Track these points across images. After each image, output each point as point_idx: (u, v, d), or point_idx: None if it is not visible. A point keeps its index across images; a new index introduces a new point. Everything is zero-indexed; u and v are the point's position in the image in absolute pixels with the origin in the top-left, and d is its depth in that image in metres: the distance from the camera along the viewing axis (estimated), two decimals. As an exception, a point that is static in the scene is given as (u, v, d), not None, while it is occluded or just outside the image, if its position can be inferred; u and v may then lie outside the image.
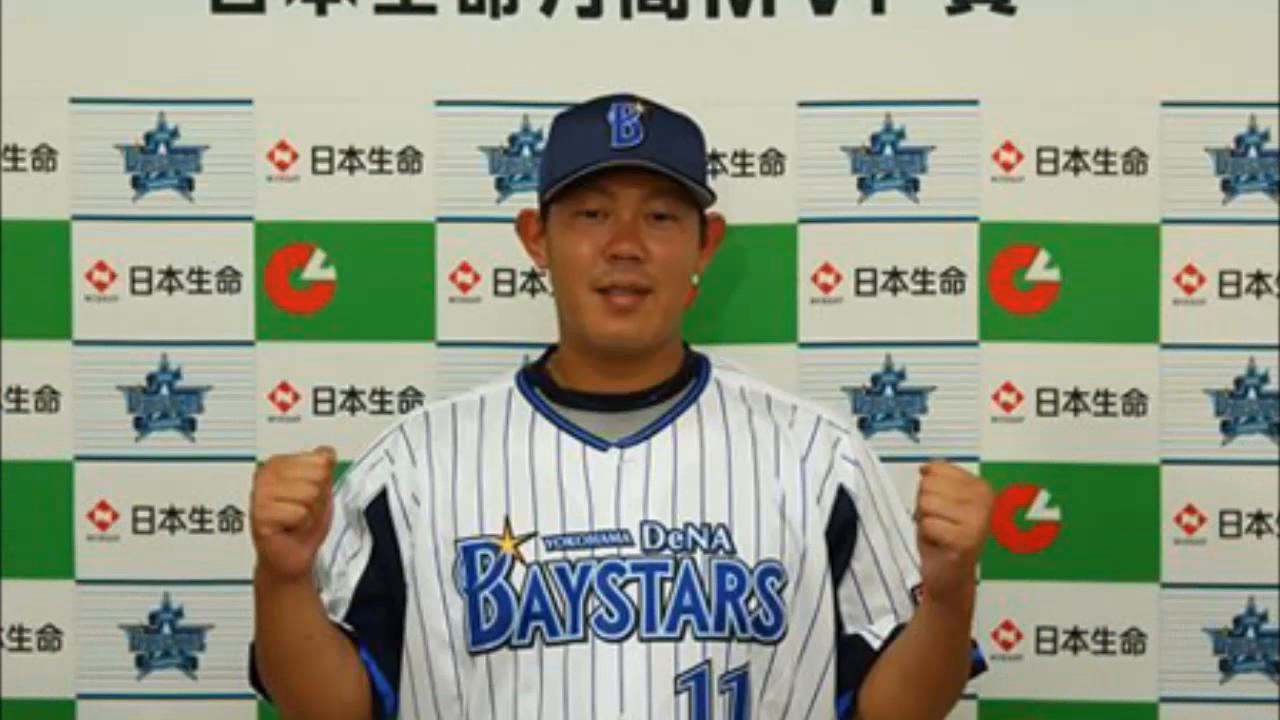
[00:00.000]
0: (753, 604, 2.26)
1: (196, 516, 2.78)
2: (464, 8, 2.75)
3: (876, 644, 2.35)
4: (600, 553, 2.26)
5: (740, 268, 2.74)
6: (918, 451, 2.71)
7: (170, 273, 2.77)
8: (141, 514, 2.78)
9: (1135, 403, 2.76)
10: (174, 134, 2.76)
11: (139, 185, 2.76)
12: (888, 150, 2.76)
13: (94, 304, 2.76)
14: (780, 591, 2.28)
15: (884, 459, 2.43)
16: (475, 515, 2.30)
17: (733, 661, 2.26)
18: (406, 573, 2.31)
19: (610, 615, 2.24)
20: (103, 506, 2.77)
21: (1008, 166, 2.76)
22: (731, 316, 2.75)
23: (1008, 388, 2.77)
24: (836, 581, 2.34)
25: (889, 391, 2.77)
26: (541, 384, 2.38)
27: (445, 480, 2.32)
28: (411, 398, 2.76)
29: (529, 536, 2.28)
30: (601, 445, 2.32)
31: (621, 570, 2.25)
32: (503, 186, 2.76)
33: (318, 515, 2.19)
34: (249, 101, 2.76)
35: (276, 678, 2.31)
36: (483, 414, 2.37)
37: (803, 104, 2.75)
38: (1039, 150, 2.76)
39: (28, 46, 2.74)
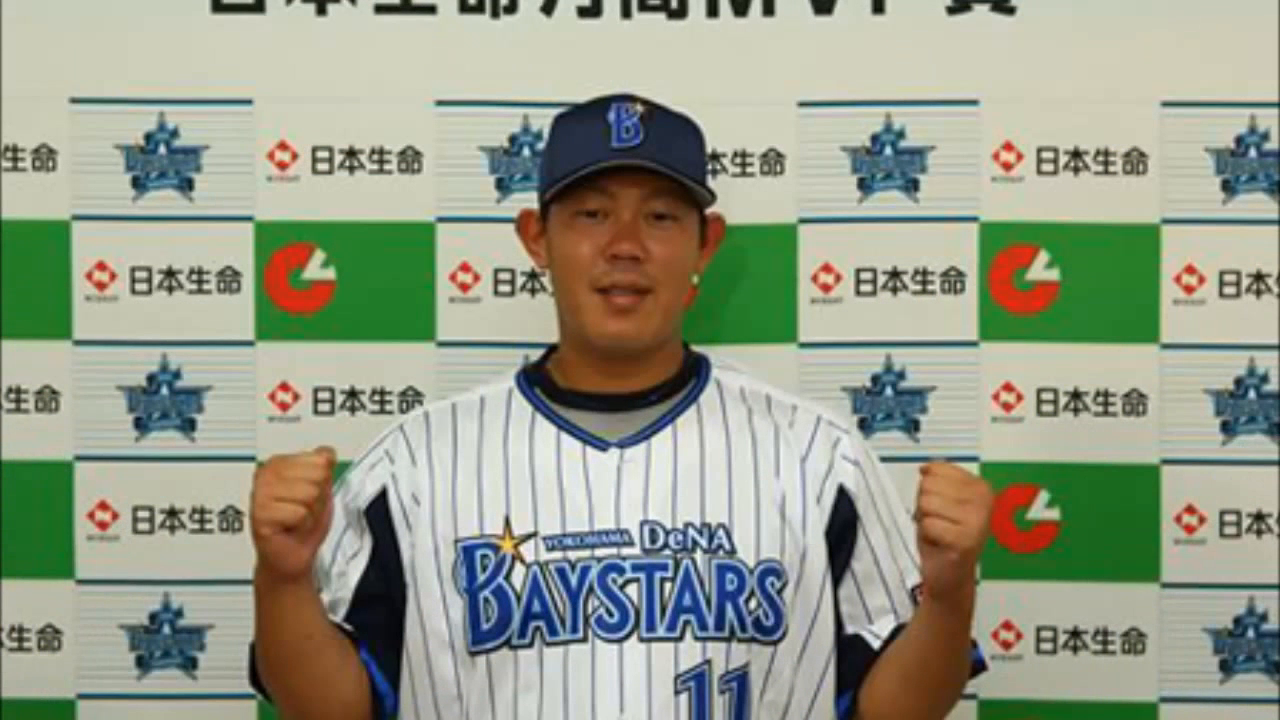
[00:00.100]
0: (753, 604, 2.26)
1: (196, 516, 2.78)
2: (464, 8, 2.75)
3: (876, 644, 2.35)
4: (600, 553, 2.26)
5: (740, 268, 2.74)
6: (918, 451, 2.71)
7: (170, 273, 2.77)
8: (141, 514, 2.78)
9: (1135, 403, 2.76)
10: (174, 134, 2.76)
11: (139, 185, 2.76)
12: (888, 150, 2.76)
13: (94, 304, 2.76)
14: (780, 591, 2.28)
15: (884, 459, 2.43)
16: (475, 515, 2.30)
17: (733, 661, 2.26)
18: (406, 573, 2.31)
19: (610, 615, 2.24)
20: (103, 506, 2.77)
21: (1008, 166, 2.76)
22: (731, 316, 2.75)
23: (1008, 388, 2.77)
24: (836, 581, 2.34)
25: (889, 391, 2.77)
26: (541, 384, 2.38)
27: (445, 480, 2.32)
28: (411, 398, 2.76)
29: (529, 536, 2.28)
30: (601, 445, 2.32)
31: (621, 570, 2.25)
32: (503, 186, 2.76)
33: (318, 515, 2.19)
34: (249, 101, 2.76)
35: (276, 678, 2.31)
36: (483, 414, 2.37)
37: (803, 104, 2.75)
38: (1039, 150, 2.76)
39: (28, 46, 2.74)
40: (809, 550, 2.31)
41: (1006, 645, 2.78)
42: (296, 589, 2.23)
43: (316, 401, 2.77)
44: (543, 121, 2.59)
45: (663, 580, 2.25)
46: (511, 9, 2.75)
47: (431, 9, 2.75)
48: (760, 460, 2.33)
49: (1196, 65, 2.74)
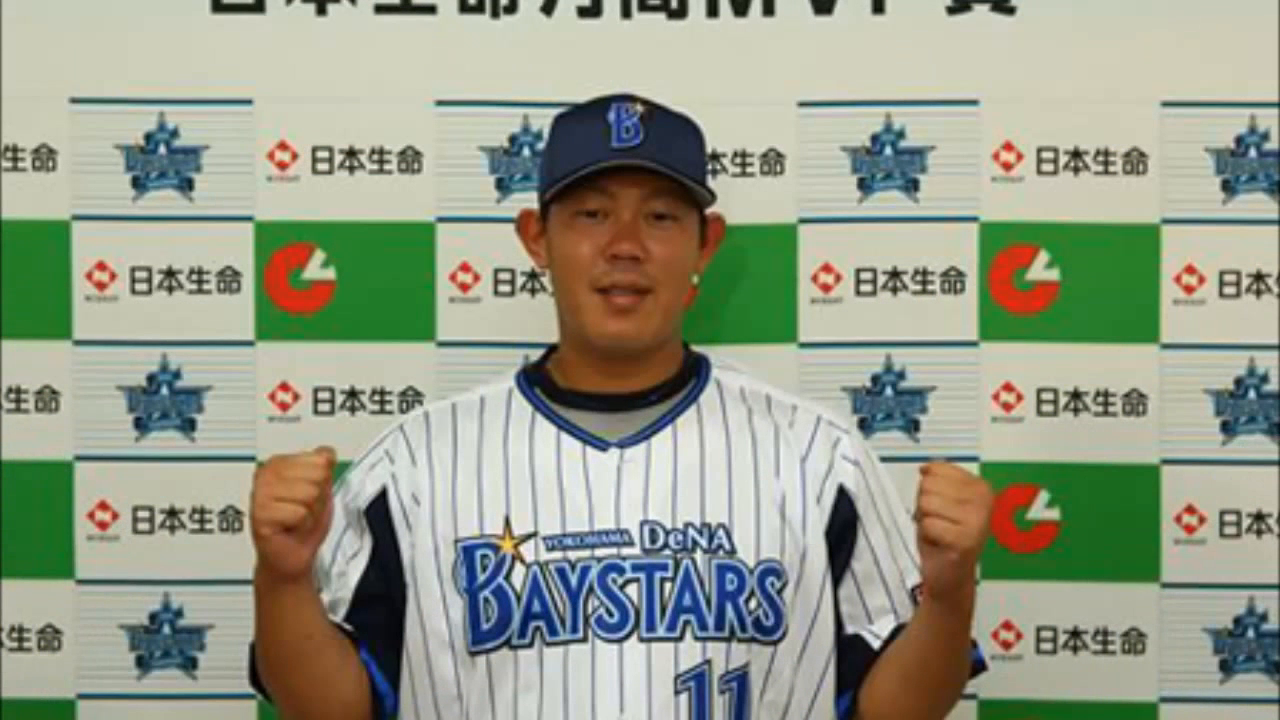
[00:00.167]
0: (753, 604, 2.26)
1: (196, 516, 2.78)
2: (464, 8, 2.75)
3: (876, 644, 2.35)
4: (600, 553, 2.26)
5: (740, 268, 2.74)
6: (918, 451, 2.71)
7: (170, 273, 2.77)
8: (141, 514, 2.78)
9: (1135, 403, 2.76)
10: (174, 134, 2.76)
11: (139, 185, 2.76)
12: (888, 150, 2.76)
13: (94, 304, 2.76)
14: (780, 591, 2.28)
15: (884, 459, 2.43)
16: (475, 515, 2.30)
17: (733, 661, 2.26)
18: (406, 573, 2.31)
19: (610, 615, 2.24)
20: (103, 506, 2.77)
21: (1008, 166, 2.76)
22: (731, 316, 2.74)
23: (1008, 388, 2.77)
24: (836, 581, 2.34)
25: (889, 391, 2.77)
26: (541, 384, 2.38)
27: (445, 480, 2.32)
28: (411, 398, 2.76)
29: (529, 536, 2.28)
30: (601, 445, 2.32)
31: (621, 570, 2.25)
32: (503, 186, 2.76)
33: (318, 515, 2.19)
34: (249, 101, 2.76)
35: (276, 678, 2.31)
36: (483, 414, 2.37)
37: (803, 104, 2.75)
38: (1039, 150, 2.76)
39: (28, 46, 2.74)
40: (809, 550, 2.31)
41: (1006, 645, 2.78)
42: (296, 589, 2.23)
43: (316, 401, 2.77)
44: (543, 121, 2.59)
45: (663, 580, 2.25)
46: (511, 9, 2.75)
47: (431, 9, 2.75)
48: (760, 460, 2.33)
49: (1196, 65, 2.74)
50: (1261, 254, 2.75)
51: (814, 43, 2.74)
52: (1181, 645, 2.77)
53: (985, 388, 2.77)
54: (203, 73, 2.75)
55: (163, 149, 2.76)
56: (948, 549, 2.15)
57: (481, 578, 2.27)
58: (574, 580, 2.25)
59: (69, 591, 2.78)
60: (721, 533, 2.28)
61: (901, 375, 2.77)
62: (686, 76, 2.69)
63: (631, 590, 2.25)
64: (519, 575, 2.26)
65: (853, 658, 2.34)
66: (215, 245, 2.77)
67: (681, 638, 2.24)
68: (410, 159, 2.76)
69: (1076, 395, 2.77)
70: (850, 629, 2.35)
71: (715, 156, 2.71)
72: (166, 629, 2.79)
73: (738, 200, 2.69)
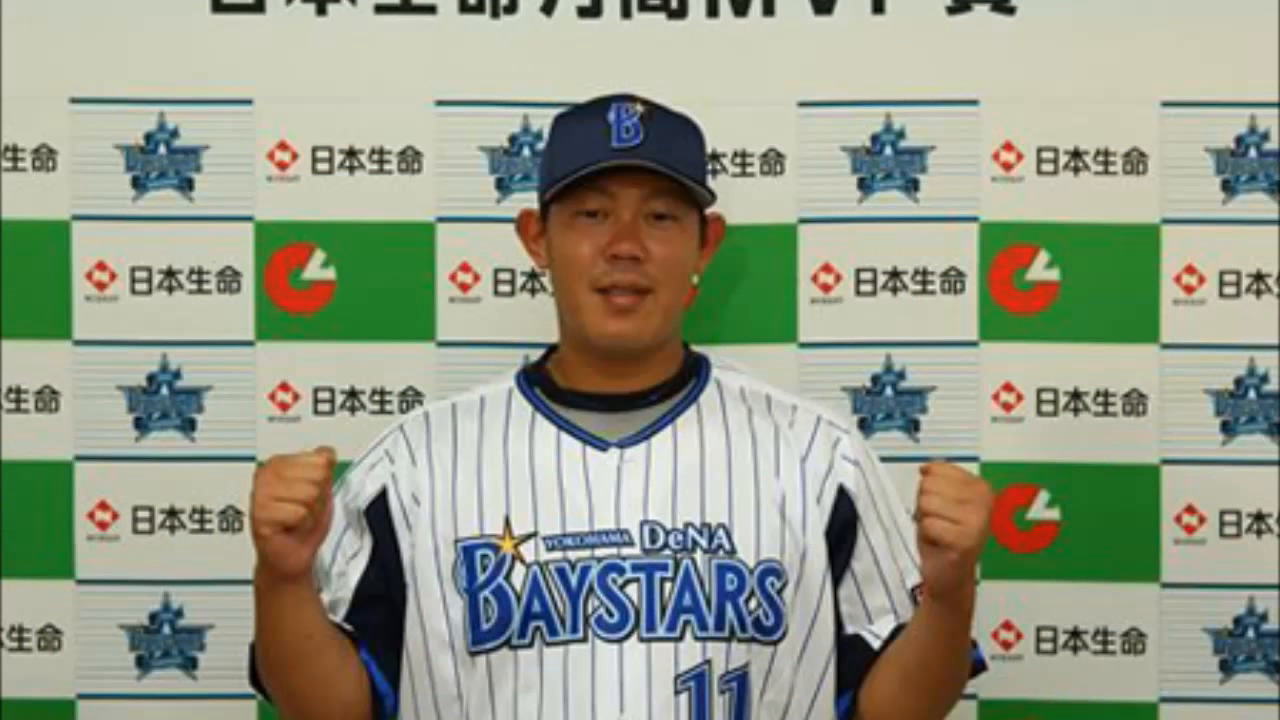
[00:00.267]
0: (753, 604, 2.26)
1: (196, 516, 2.78)
2: (464, 8, 2.75)
3: (876, 644, 2.35)
4: (600, 553, 2.26)
5: (740, 268, 2.74)
6: (918, 451, 2.71)
7: (170, 273, 2.77)
8: (141, 514, 2.78)
9: (1135, 403, 2.76)
10: (174, 134, 2.76)
11: (139, 185, 2.76)
12: (888, 150, 2.76)
13: (94, 304, 2.76)
14: (780, 591, 2.28)
15: (884, 459, 2.43)
16: (475, 515, 2.30)
17: (733, 661, 2.26)
18: (406, 573, 2.31)
19: (610, 615, 2.24)
20: (103, 506, 2.77)
21: (1008, 166, 2.76)
22: (731, 316, 2.75)
23: (1008, 388, 2.77)
24: (836, 581, 2.34)
25: (889, 391, 2.77)
26: (541, 384, 2.38)
27: (445, 480, 2.32)
28: (411, 398, 2.76)
29: (529, 536, 2.27)
30: (601, 445, 2.31)
31: (621, 570, 2.25)
32: (503, 186, 2.76)
33: (318, 515, 2.19)
34: (249, 101, 2.76)
35: (276, 678, 2.31)
36: (483, 414, 2.37)
37: (803, 104, 2.75)
38: (1039, 150, 2.76)
39: (28, 46, 2.74)
40: (809, 550, 2.31)
41: (1006, 645, 2.78)
42: (296, 589, 2.23)
43: (316, 401, 2.77)
44: (543, 121, 2.59)
45: (663, 580, 2.25)
46: (511, 9, 2.75)
47: (431, 9, 2.75)
48: (760, 460, 2.32)
49: (1196, 65, 2.74)
50: (1261, 254, 2.75)
51: (814, 43, 2.74)
52: (1181, 645, 2.77)
53: (985, 388, 2.77)
54: (203, 73, 2.75)
55: (163, 149, 2.76)
56: (948, 549, 2.15)
57: (481, 578, 2.27)
58: (574, 580, 2.25)
59: (69, 591, 2.78)
60: (721, 533, 2.28)
61: (901, 375, 2.77)
62: (686, 76, 2.69)
63: (631, 590, 2.25)
64: (519, 575, 2.26)
65: (853, 658, 2.34)
66: (215, 245, 2.77)
67: (681, 638, 2.24)
68: (410, 159, 2.76)
69: (1076, 395, 2.77)
70: (850, 629, 2.35)
71: (715, 156, 2.71)
72: (166, 629, 2.79)
73: (738, 200, 2.69)
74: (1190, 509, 2.76)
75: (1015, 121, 2.75)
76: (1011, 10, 2.74)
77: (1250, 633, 2.77)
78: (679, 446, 2.32)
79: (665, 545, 2.26)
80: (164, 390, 2.77)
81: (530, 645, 2.25)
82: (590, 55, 2.73)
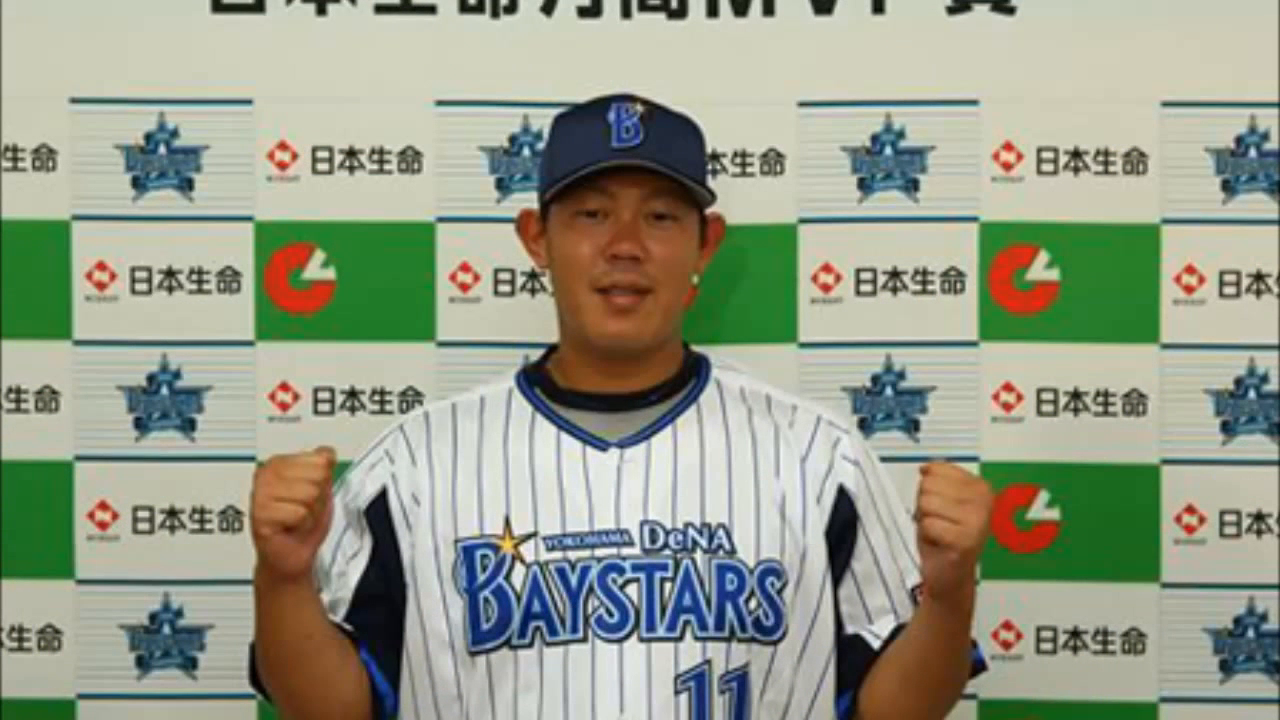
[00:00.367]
0: (753, 604, 2.26)
1: (196, 516, 2.78)
2: (464, 8, 2.75)
3: (876, 644, 2.35)
4: (600, 553, 2.26)
5: (740, 268, 2.74)
6: (918, 451, 2.71)
7: (170, 273, 2.77)
8: (141, 514, 2.78)
9: (1135, 403, 2.76)
10: (174, 134, 2.76)
11: (139, 185, 2.76)
12: (888, 150, 2.76)
13: (94, 304, 2.76)
14: (780, 591, 2.28)
15: (884, 459, 2.43)
16: (475, 515, 2.30)
17: (733, 661, 2.26)
18: (406, 573, 2.31)
19: (610, 615, 2.24)
20: (103, 506, 2.77)
21: (1008, 166, 2.76)
22: (731, 316, 2.75)
23: (1008, 388, 2.77)
24: (836, 581, 2.34)
25: (889, 391, 2.77)
26: (541, 384, 2.38)
27: (445, 480, 2.32)
28: (411, 398, 2.76)
29: (529, 536, 2.27)
30: (601, 445, 2.31)
31: (621, 570, 2.25)
32: (503, 186, 2.76)
33: (318, 515, 2.19)
34: (249, 101, 2.76)
35: (276, 678, 2.31)
36: (483, 414, 2.37)
37: (803, 104, 2.75)
38: (1039, 150, 2.76)
39: (28, 46, 2.74)
40: (809, 550, 2.31)
41: (1006, 645, 2.78)
42: (296, 589, 2.23)
43: (316, 401, 2.77)
44: (543, 121, 2.59)
45: (663, 580, 2.25)
46: (511, 9, 2.75)
47: (431, 9, 2.75)
48: (760, 460, 2.32)
49: (1196, 65, 2.74)
50: (1261, 254, 2.75)
51: (814, 43, 2.74)
52: (1181, 645, 2.77)
53: (985, 388, 2.77)
54: (203, 73, 2.75)
55: (163, 149, 2.76)
56: (948, 549, 2.15)
57: (481, 578, 2.27)
58: (574, 580, 2.25)
59: (69, 591, 2.78)
60: (721, 533, 2.28)
61: (901, 375, 2.77)
62: (686, 76, 2.69)
63: (631, 590, 2.25)
64: (519, 575, 2.26)
65: (853, 658, 2.34)
66: (215, 245, 2.77)
67: (681, 638, 2.24)
68: (410, 159, 2.76)
69: (1076, 395, 2.77)
70: (850, 629, 2.35)
71: (715, 156, 2.71)
72: (166, 629, 2.79)
73: (738, 200, 2.69)
74: (1190, 509, 2.76)
75: (1015, 121, 2.75)
76: (1011, 10, 2.74)
77: (1250, 633, 2.77)
78: (679, 446, 2.32)
79: (665, 545, 2.26)
80: (164, 390, 2.77)
81: (530, 645, 2.25)
82: (590, 55, 2.73)
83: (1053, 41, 2.74)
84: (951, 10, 2.74)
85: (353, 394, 2.77)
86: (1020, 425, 2.77)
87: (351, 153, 2.76)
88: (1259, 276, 2.75)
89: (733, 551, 2.27)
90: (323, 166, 2.76)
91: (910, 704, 2.32)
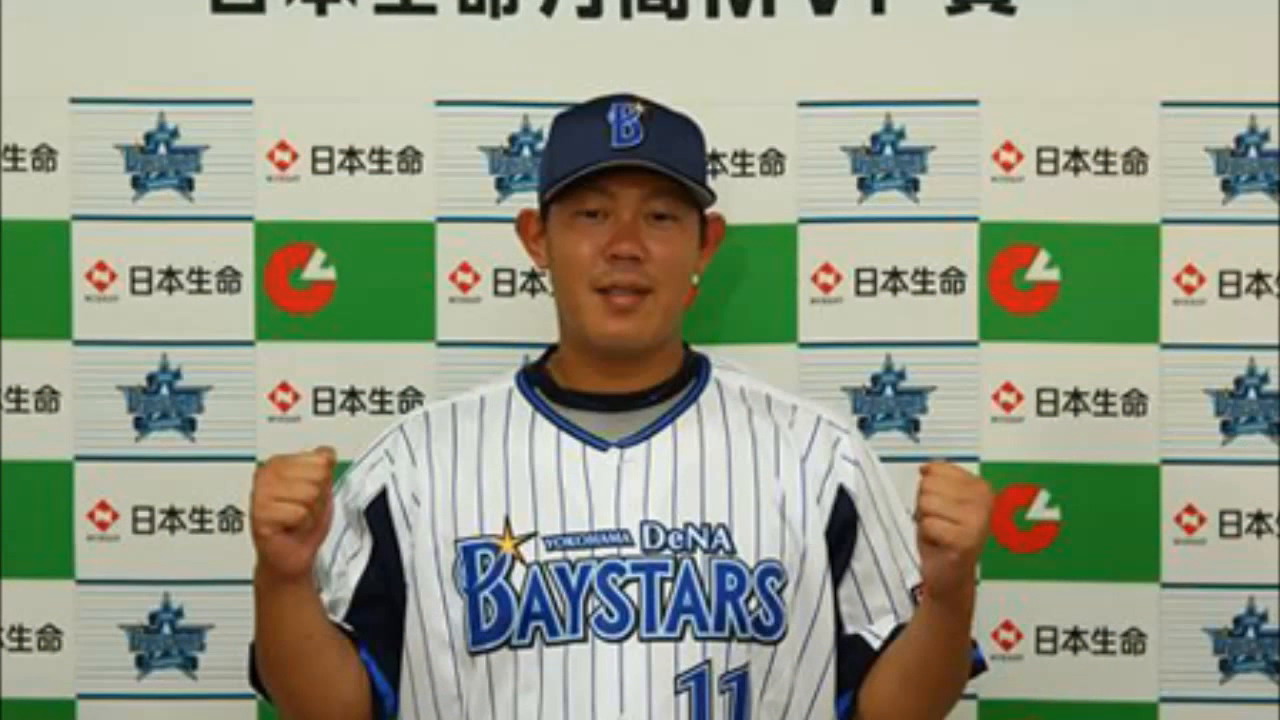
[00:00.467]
0: (753, 604, 2.26)
1: (196, 516, 2.78)
2: (464, 8, 2.75)
3: (876, 644, 2.35)
4: (600, 553, 2.26)
5: (740, 268, 2.74)
6: (918, 451, 2.71)
7: (170, 273, 2.77)
8: (141, 514, 2.78)
9: (1135, 403, 2.76)
10: (174, 134, 2.76)
11: (139, 185, 2.76)
12: (888, 150, 2.76)
13: (94, 304, 2.76)
14: (780, 591, 2.28)
15: (884, 459, 2.43)
16: (475, 515, 2.30)
17: (733, 661, 2.26)
18: (406, 573, 2.31)
19: (610, 615, 2.24)
20: (103, 506, 2.77)
21: (1008, 166, 2.76)
22: (731, 316, 2.75)
23: (1008, 388, 2.77)
24: (836, 581, 2.34)
25: (889, 391, 2.77)
26: (541, 384, 2.38)
27: (445, 480, 2.32)
28: (411, 398, 2.76)
29: (529, 536, 2.27)
30: (601, 445, 2.31)
31: (621, 570, 2.25)
32: (503, 186, 2.76)
33: (318, 515, 2.19)
34: (249, 101, 2.76)
35: (276, 678, 2.31)
36: (483, 414, 2.37)
37: (803, 104, 2.75)
38: (1039, 150, 2.76)
39: (28, 46, 2.74)
40: (809, 550, 2.31)
41: (1006, 645, 2.78)
42: (296, 589, 2.23)
43: (316, 401, 2.77)
44: (543, 121, 2.59)
45: (663, 580, 2.25)
46: (511, 9, 2.75)
47: (431, 9, 2.75)
48: (760, 460, 2.32)
49: (1196, 65, 2.74)
50: (1261, 254, 2.75)
51: (814, 43, 2.74)
52: (1181, 645, 2.77)
53: (985, 388, 2.77)
54: (203, 73, 2.75)
55: (163, 149, 2.76)
56: (948, 549, 2.15)
57: (481, 578, 2.27)
58: (574, 580, 2.25)
59: (69, 591, 2.78)
60: (721, 533, 2.28)
61: (901, 375, 2.77)
62: (686, 76, 2.69)
63: (631, 590, 2.25)
64: (519, 575, 2.26)
65: (853, 658, 2.34)
66: (215, 245, 2.77)
67: (681, 638, 2.24)
68: (410, 159, 2.76)
69: (1076, 395, 2.77)
70: (850, 629, 2.35)
71: (715, 156, 2.71)
72: (166, 629, 2.79)
73: (738, 200, 2.69)
74: (1190, 509, 2.76)
75: (1015, 121, 2.75)
76: (1011, 10, 2.74)
77: (1250, 633, 2.77)
78: (679, 446, 2.32)
79: (665, 545, 2.26)
80: (164, 390, 2.77)
81: (530, 645, 2.25)
82: (590, 55, 2.73)
83: (1053, 41, 2.74)
84: (951, 10, 2.74)
85: (353, 394, 2.77)
86: (1020, 425, 2.77)
87: (351, 153, 2.76)
88: (1259, 276, 2.75)
89: (733, 551, 2.27)
90: (323, 166, 2.76)
91: (910, 704, 2.32)
